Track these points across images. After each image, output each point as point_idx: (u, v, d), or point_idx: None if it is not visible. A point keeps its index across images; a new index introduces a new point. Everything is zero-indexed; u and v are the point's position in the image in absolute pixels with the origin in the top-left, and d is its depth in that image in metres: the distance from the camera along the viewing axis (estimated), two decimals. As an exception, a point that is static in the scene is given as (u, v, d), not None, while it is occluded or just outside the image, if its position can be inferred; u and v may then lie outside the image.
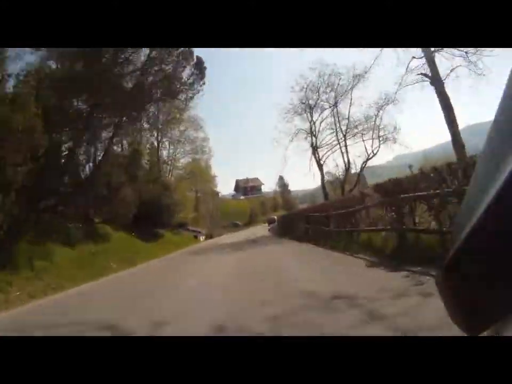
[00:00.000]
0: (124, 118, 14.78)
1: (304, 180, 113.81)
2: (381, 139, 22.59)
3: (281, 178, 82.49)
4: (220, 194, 63.29)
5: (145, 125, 20.64)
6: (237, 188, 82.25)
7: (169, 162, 32.87)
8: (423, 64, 11.84)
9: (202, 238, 35.87)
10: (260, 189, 78.29)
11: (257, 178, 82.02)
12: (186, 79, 15.06)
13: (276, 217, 55.05)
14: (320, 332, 2.46)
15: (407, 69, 12.01)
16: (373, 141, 22.71)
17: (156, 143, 29.47)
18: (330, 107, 23.40)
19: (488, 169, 0.34)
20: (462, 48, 10.16)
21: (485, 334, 0.35)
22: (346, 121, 23.60)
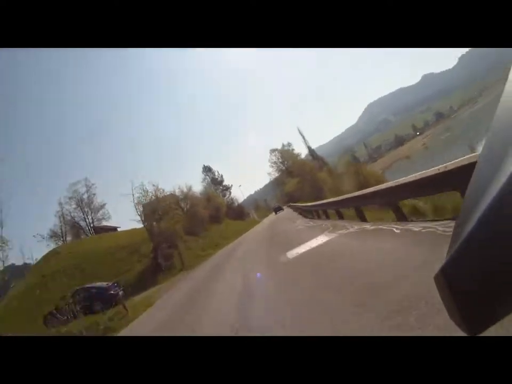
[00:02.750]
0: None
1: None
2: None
3: (207, 169, 54.94)
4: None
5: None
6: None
7: None
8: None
9: None
10: (114, 228, 37.27)
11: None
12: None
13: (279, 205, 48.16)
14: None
15: None
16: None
17: None
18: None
19: (488, 170, 0.34)
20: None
21: (485, 334, 0.35)
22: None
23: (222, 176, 57.62)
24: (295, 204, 21.28)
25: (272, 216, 41.72)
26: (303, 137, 55.24)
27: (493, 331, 0.37)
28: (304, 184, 40.79)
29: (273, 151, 58.11)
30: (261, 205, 78.95)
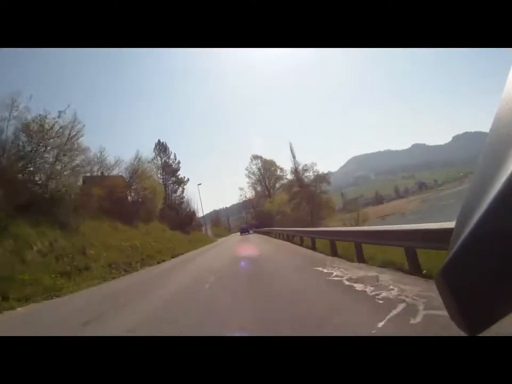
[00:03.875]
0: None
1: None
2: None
3: (162, 148, 37.65)
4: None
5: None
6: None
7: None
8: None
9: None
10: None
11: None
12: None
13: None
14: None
15: None
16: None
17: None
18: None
19: (488, 170, 0.34)
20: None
21: (485, 334, 0.35)
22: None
23: (179, 163, 38.67)
24: (292, 229, 16.68)
25: (236, 238, 30.35)
26: (293, 156, 42.07)
27: (493, 331, 0.37)
28: (301, 202, 31.49)
29: (255, 157, 46.84)
30: (222, 221, 67.79)
